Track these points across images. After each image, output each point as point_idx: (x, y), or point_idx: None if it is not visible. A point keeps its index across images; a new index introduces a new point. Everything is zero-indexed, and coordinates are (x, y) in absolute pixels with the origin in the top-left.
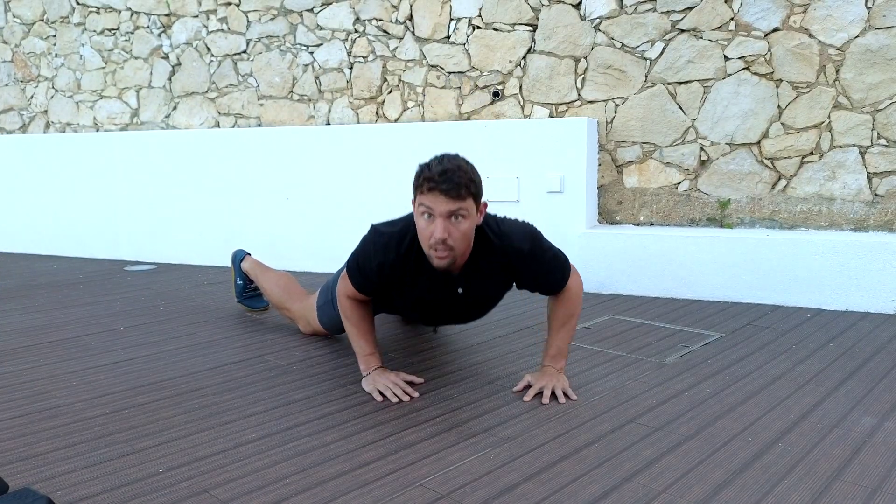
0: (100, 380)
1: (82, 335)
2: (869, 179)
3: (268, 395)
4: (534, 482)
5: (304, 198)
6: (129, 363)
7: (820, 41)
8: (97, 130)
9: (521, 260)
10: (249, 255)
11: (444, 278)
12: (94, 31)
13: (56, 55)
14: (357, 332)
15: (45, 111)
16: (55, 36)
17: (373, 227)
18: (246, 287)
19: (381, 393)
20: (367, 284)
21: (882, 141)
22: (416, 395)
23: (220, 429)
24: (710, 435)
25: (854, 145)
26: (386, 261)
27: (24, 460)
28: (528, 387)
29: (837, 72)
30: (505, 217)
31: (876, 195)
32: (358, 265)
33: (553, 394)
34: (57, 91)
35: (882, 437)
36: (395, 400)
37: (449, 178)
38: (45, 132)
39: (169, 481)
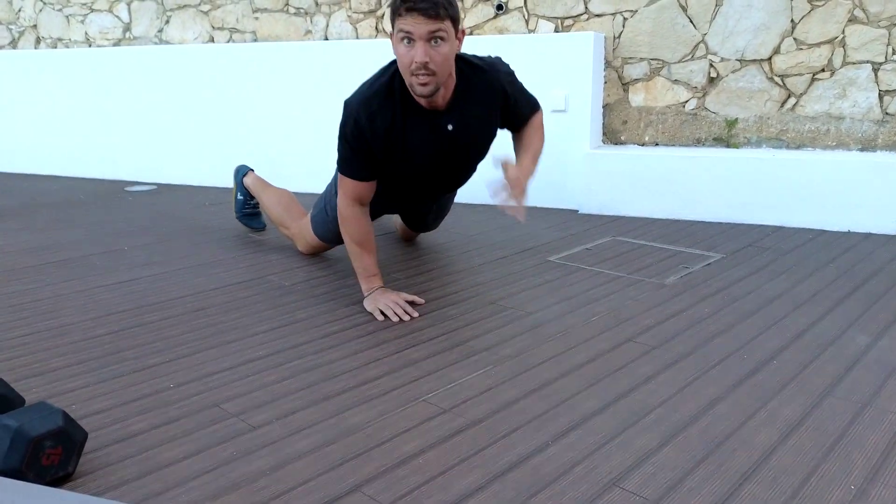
0: (106, 299)
1: (87, 255)
2: (880, 98)
3: (272, 314)
4: (533, 397)
5: (302, 115)
6: (134, 282)
7: None
8: (89, 46)
9: (500, 95)
10: (252, 171)
11: (433, 117)
12: None
13: None
14: (359, 251)
15: (35, 25)
16: None
17: (346, 100)
18: (246, 203)
19: (382, 312)
20: (362, 159)
21: None
22: (416, 314)
23: (227, 346)
24: (706, 353)
25: (867, 61)
26: (373, 109)
27: (37, 376)
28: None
29: None
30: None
31: (886, 114)
32: (347, 141)
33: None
34: (45, 4)
35: (875, 354)
36: (396, 319)
37: None
38: (35, 48)
39: (179, 395)
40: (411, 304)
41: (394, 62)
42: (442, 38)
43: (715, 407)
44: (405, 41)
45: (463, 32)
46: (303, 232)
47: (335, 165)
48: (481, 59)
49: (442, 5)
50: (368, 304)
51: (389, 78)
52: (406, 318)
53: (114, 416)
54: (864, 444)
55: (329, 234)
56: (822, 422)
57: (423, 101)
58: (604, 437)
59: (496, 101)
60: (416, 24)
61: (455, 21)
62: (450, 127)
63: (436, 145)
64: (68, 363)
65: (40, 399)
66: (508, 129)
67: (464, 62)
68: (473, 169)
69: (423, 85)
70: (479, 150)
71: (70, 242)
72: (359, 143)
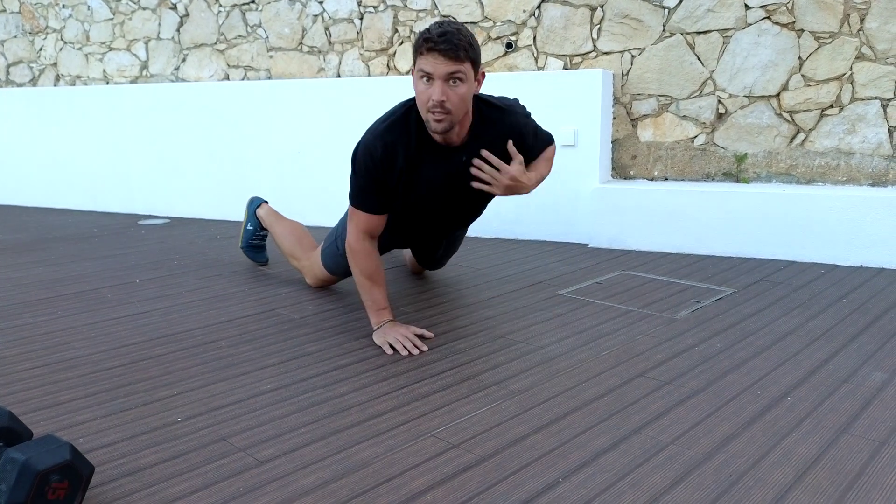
0: (117, 331)
1: (99, 288)
2: (890, 133)
3: (282, 347)
4: (543, 433)
5: (314, 151)
6: (145, 315)
7: None
8: (107, 83)
9: (519, 133)
10: (266, 202)
11: (448, 152)
12: None
13: (63, 6)
14: (368, 284)
15: (55, 63)
16: None
17: (367, 130)
18: (255, 234)
19: (391, 346)
20: (375, 191)
21: None
22: (425, 348)
23: (236, 380)
24: (719, 389)
25: (876, 97)
26: (388, 141)
27: (46, 409)
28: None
29: (862, 21)
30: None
31: None
32: (361, 173)
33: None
34: (66, 43)
35: (892, 391)
36: (405, 353)
37: (448, 40)
38: (55, 85)
39: (187, 429)
40: (421, 337)
41: (412, 98)
42: (460, 80)
43: (729, 444)
44: (424, 79)
45: (483, 74)
46: (313, 265)
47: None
48: (500, 99)
49: (462, 48)
50: (378, 338)
51: (405, 112)
52: (415, 351)
53: (121, 450)
54: (883, 484)
55: (339, 267)
56: (839, 460)
57: (437, 137)
58: (616, 474)
59: (503, 146)
60: (436, 65)
61: (475, 63)
62: (464, 158)
63: (448, 179)
64: (77, 396)
65: (48, 432)
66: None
67: (482, 102)
68: (483, 206)
69: (438, 122)
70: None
71: (83, 275)
72: (373, 174)
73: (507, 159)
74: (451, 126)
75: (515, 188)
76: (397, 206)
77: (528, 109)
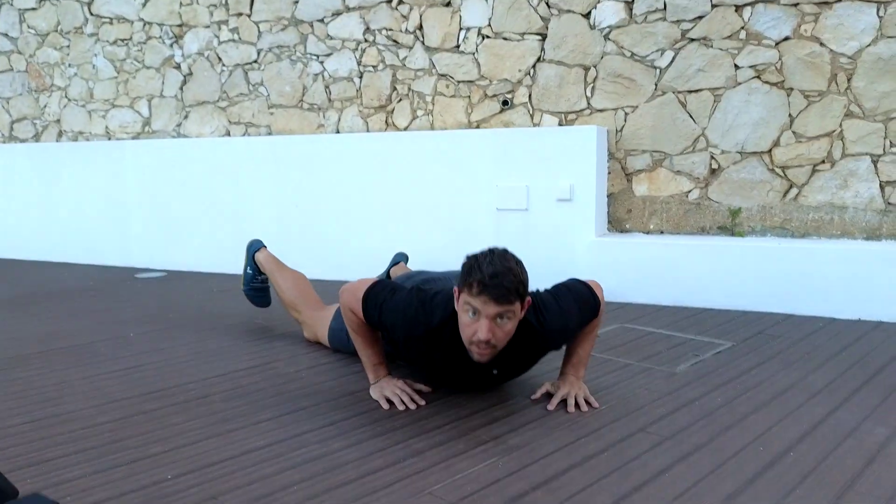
0: (109, 386)
1: (93, 341)
2: (881, 188)
3: (276, 402)
4: (542, 491)
5: (313, 205)
6: (138, 369)
7: (831, 50)
8: (109, 139)
9: (553, 337)
10: (265, 247)
11: (478, 364)
12: (107, 41)
13: (69, 65)
14: (364, 343)
15: (58, 120)
16: (69, 46)
17: (415, 292)
18: (254, 278)
19: (388, 400)
20: (385, 336)
21: (895, 149)
22: (423, 402)
23: (229, 436)
24: (721, 444)
25: (866, 154)
26: (433, 339)
27: (33, 465)
28: (548, 395)
29: (849, 80)
30: (543, 295)
31: (889, 204)
32: (382, 313)
33: (576, 402)
34: (70, 100)
35: (895, 446)
36: (402, 408)
37: (500, 284)
38: (57, 141)
39: (177, 487)
40: (418, 392)
41: (450, 296)
42: (509, 318)
43: (732, 502)
44: (470, 312)
45: (529, 301)
46: (315, 327)
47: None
48: (545, 309)
49: (514, 290)
50: (374, 393)
51: (446, 319)
52: (412, 406)
53: None
54: None
55: (344, 347)
56: None
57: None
58: None
59: (550, 346)
60: (486, 306)
61: (524, 298)
62: (495, 372)
63: (473, 377)
64: (66, 452)
65: (35, 490)
66: None
67: (524, 320)
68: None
69: (481, 355)
70: (517, 377)
71: (77, 330)
72: (401, 338)
73: (535, 359)
74: (494, 357)
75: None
76: (412, 356)
77: (567, 296)
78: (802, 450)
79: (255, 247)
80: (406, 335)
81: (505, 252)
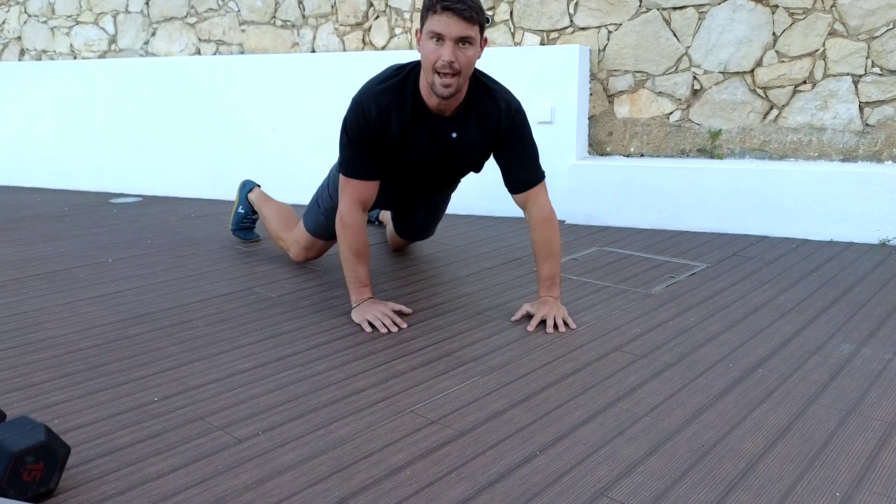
0: (91, 312)
1: (71, 268)
2: (860, 109)
3: (259, 326)
4: (521, 408)
5: (289, 127)
6: (119, 295)
7: None
8: (74, 58)
9: (508, 117)
10: (258, 186)
11: (439, 123)
12: None
13: None
14: (355, 261)
15: (19, 37)
16: None
17: (354, 96)
18: (246, 217)
19: (370, 324)
20: (368, 155)
21: (876, 69)
22: (404, 325)
23: (213, 359)
24: (692, 362)
25: (847, 74)
26: (383, 105)
27: (19, 390)
28: (528, 316)
29: None
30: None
31: (866, 125)
32: (353, 137)
33: (555, 323)
34: (30, 16)
35: (859, 362)
36: (384, 331)
37: (462, 1)
38: (20, 59)
39: (164, 409)
40: (399, 313)
41: (408, 63)
42: (470, 43)
43: (701, 416)
44: (434, 40)
45: (486, 41)
46: (296, 234)
47: (333, 165)
48: (494, 82)
49: (476, 9)
50: (356, 316)
51: (404, 77)
52: (394, 329)
53: (97, 431)
54: (848, 452)
55: (319, 228)
56: (807, 429)
57: (434, 104)
58: (591, 447)
59: (492, 128)
60: (450, 25)
61: (482, 29)
62: (454, 135)
63: (436, 150)
64: (51, 377)
65: (22, 414)
66: (502, 172)
67: (477, 80)
68: (465, 174)
69: (446, 86)
70: (475, 162)
71: (54, 255)
72: (365, 138)
73: (487, 141)
74: (457, 90)
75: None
76: (383, 168)
77: (523, 107)
78: (770, 366)
79: (248, 186)
80: (380, 110)
81: None
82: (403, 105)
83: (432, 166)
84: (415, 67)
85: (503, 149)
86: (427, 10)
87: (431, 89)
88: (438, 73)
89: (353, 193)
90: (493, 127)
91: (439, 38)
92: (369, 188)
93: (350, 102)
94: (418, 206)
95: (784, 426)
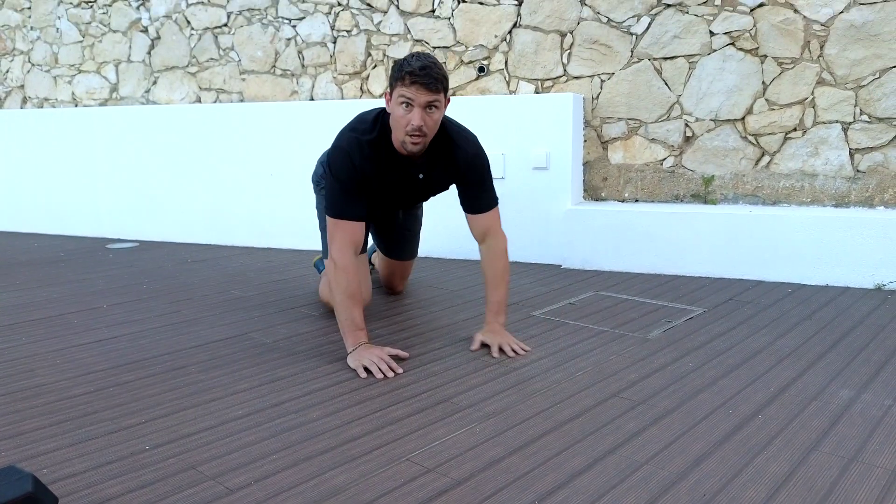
0: (83, 358)
1: (65, 313)
2: (851, 156)
3: (253, 372)
4: (519, 455)
5: (287, 174)
6: (112, 341)
7: (805, 17)
8: (76, 106)
9: (467, 164)
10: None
11: (408, 165)
12: (71, 3)
13: (32, 28)
14: (349, 304)
15: (22, 86)
16: (30, 8)
17: (339, 136)
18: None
19: (366, 369)
20: (356, 196)
21: (864, 117)
22: (400, 370)
23: (206, 406)
24: (692, 408)
25: (837, 121)
26: (366, 154)
27: (8, 439)
28: (484, 346)
29: (822, 48)
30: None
31: (857, 171)
32: (342, 181)
33: (512, 349)
34: (33, 65)
35: (859, 408)
36: (380, 376)
37: (428, 74)
38: (22, 107)
39: (155, 458)
40: (395, 358)
41: (379, 112)
42: (436, 107)
43: (702, 463)
44: (404, 105)
45: (449, 100)
46: (328, 269)
47: (317, 205)
48: (461, 128)
49: (440, 80)
50: (352, 361)
51: (379, 128)
52: (390, 374)
53: (87, 480)
54: (853, 500)
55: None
56: (809, 478)
57: (404, 152)
58: (591, 496)
59: (461, 168)
60: (417, 95)
61: (447, 92)
62: (420, 176)
63: (404, 187)
64: (42, 425)
65: (10, 463)
66: (461, 198)
67: (445, 128)
68: (428, 199)
69: (415, 144)
70: (441, 191)
71: (49, 301)
72: (353, 182)
73: (450, 181)
74: (425, 147)
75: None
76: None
77: (484, 151)
78: (770, 412)
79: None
80: (362, 163)
81: (428, 53)
82: (379, 152)
83: (405, 196)
84: (382, 115)
85: (464, 186)
86: (396, 79)
87: (402, 146)
88: (409, 135)
89: (344, 236)
90: (455, 172)
91: (409, 103)
92: (359, 229)
93: (332, 150)
94: (396, 213)
95: (786, 474)
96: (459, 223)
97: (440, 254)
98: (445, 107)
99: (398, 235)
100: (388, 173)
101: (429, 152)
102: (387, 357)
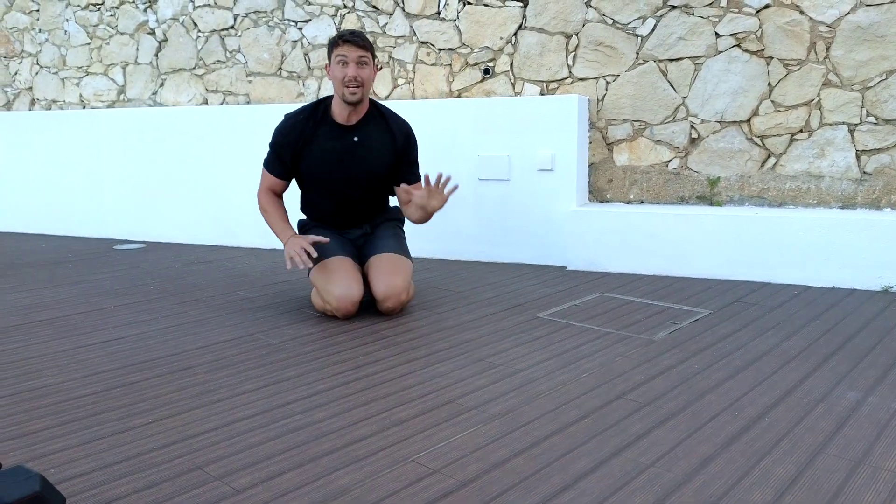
0: (90, 358)
1: (72, 314)
2: (857, 157)
3: (259, 372)
4: (524, 457)
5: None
6: (119, 342)
7: (811, 18)
8: (83, 107)
9: (403, 133)
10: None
11: (344, 130)
12: (79, 5)
13: (40, 30)
14: (276, 217)
15: (30, 88)
16: (38, 10)
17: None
18: None
19: (291, 259)
20: (277, 160)
21: (871, 118)
22: (310, 264)
23: (213, 406)
24: (698, 410)
25: (843, 123)
26: (298, 118)
27: (16, 439)
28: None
29: (828, 49)
30: None
31: (864, 173)
32: (271, 145)
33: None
34: (42, 67)
35: (866, 411)
36: (301, 266)
37: (357, 35)
38: (30, 109)
39: (162, 458)
40: (316, 245)
41: (322, 98)
42: (366, 63)
43: (708, 466)
44: (341, 63)
45: (378, 68)
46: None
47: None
48: (390, 110)
49: (367, 42)
50: (285, 255)
51: (316, 102)
52: (300, 265)
53: (94, 480)
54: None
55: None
56: (816, 480)
57: (343, 118)
58: (596, 498)
59: (397, 138)
60: (350, 51)
61: (374, 56)
62: (356, 139)
63: (341, 152)
64: (49, 425)
65: (18, 463)
66: (397, 181)
67: (374, 104)
68: (374, 182)
69: (353, 93)
70: (377, 166)
71: (56, 301)
72: (278, 147)
73: (389, 148)
74: (362, 98)
75: (436, 207)
76: (303, 168)
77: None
78: (776, 415)
79: None
80: (294, 122)
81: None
82: (309, 119)
83: (339, 164)
84: (326, 98)
85: (400, 163)
86: (332, 46)
87: (343, 99)
88: (347, 86)
89: (265, 182)
90: (390, 139)
91: (344, 61)
92: (277, 182)
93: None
94: (361, 227)
95: (792, 477)
96: (462, 224)
97: (445, 255)
98: (374, 72)
99: (369, 238)
100: (326, 140)
101: (363, 121)
102: (305, 243)
